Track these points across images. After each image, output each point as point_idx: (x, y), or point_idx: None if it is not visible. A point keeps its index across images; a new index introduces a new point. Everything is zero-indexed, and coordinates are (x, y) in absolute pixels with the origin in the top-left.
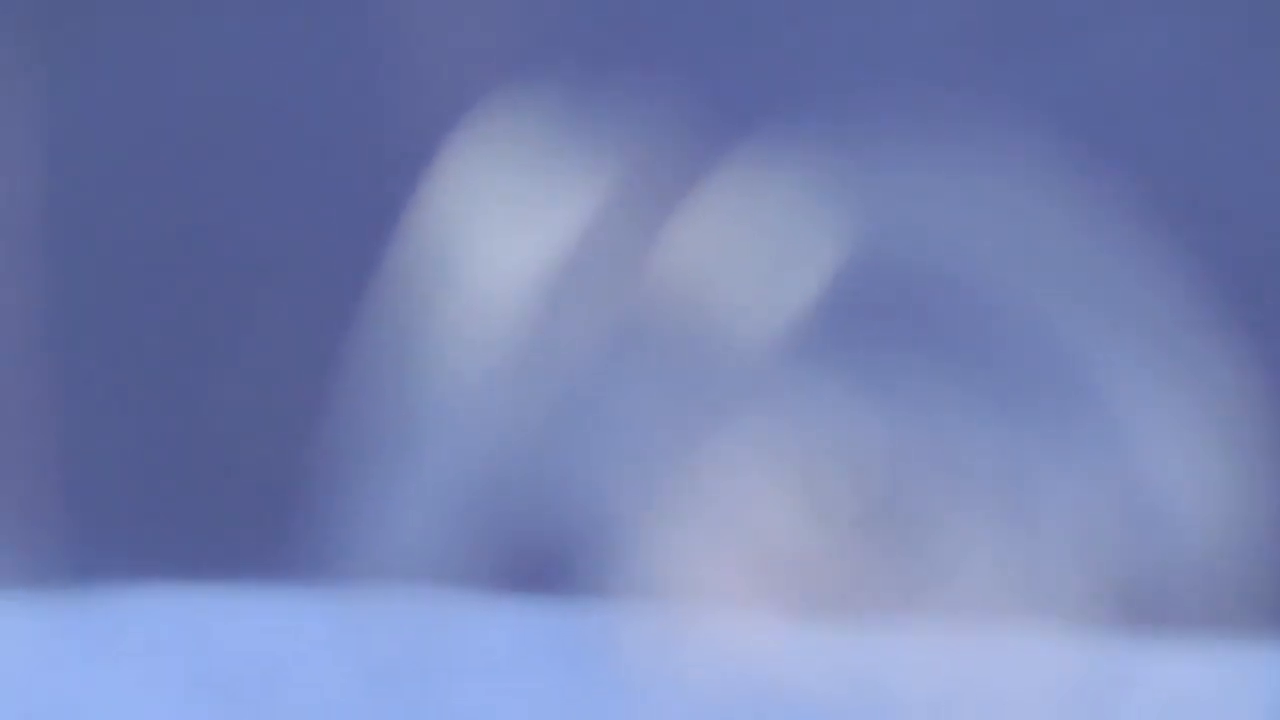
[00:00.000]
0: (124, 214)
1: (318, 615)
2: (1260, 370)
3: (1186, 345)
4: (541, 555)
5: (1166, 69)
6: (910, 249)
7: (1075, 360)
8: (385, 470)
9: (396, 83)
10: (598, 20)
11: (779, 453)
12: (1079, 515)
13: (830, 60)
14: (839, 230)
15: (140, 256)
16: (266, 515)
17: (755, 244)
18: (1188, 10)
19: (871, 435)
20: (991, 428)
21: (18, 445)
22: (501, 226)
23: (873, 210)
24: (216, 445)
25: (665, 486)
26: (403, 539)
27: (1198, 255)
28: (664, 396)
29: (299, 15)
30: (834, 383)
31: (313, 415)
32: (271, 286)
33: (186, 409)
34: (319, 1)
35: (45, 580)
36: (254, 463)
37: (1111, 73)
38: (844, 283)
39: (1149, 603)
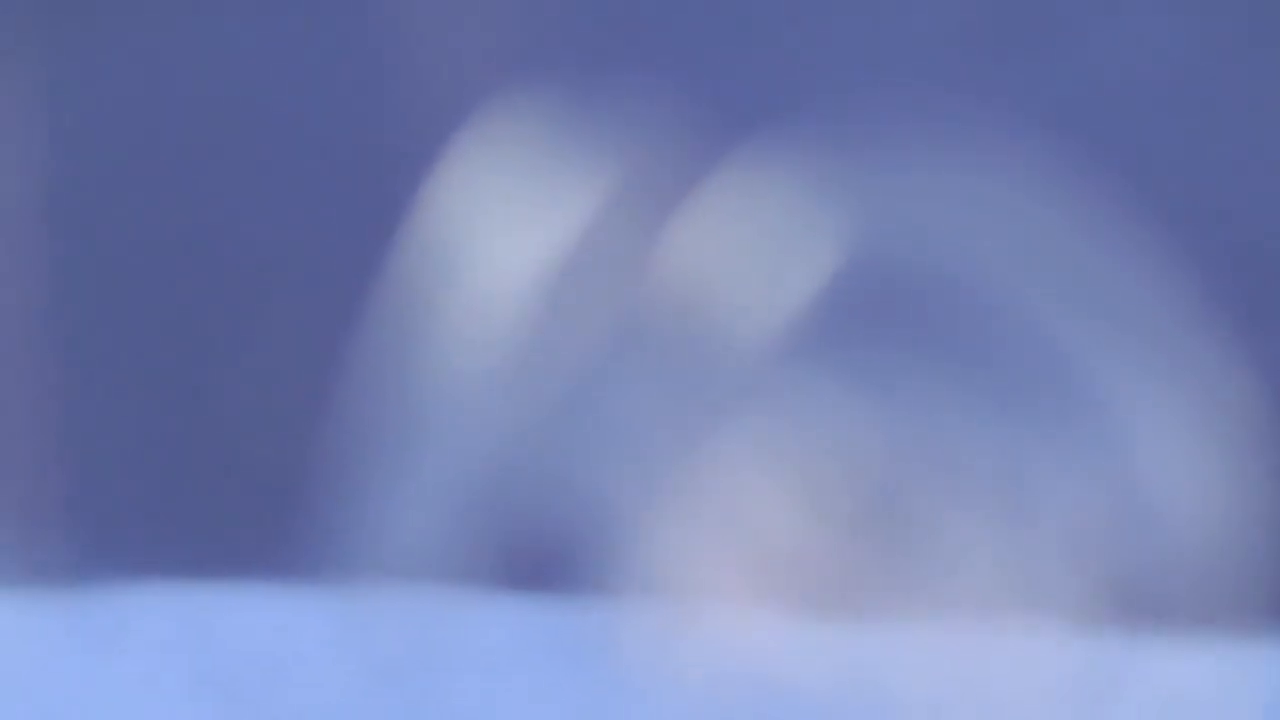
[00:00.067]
0: (126, 214)
1: (320, 613)
2: (1258, 370)
3: (1184, 344)
4: (542, 553)
5: (1166, 69)
6: (910, 249)
7: (1073, 360)
8: (387, 469)
9: (397, 83)
10: (598, 20)
11: (778, 452)
12: (1077, 513)
13: (830, 60)
14: (838, 230)
15: (143, 256)
16: (269, 514)
17: (755, 244)
18: (1187, 10)
19: (870, 434)
20: (990, 427)
21: (21, 444)
22: (503, 227)
23: (872, 210)
24: (219, 444)
25: (665, 485)
26: (404, 537)
27: (1197, 255)
28: (664, 396)
29: (299, 15)
30: (833, 382)
31: (315, 414)
32: (273, 286)
33: (189, 408)
34: (319, 1)
35: (48, 578)
36: (256, 462)
37: (1111, 73)
38: (843, 283)
39: (1146, 600)
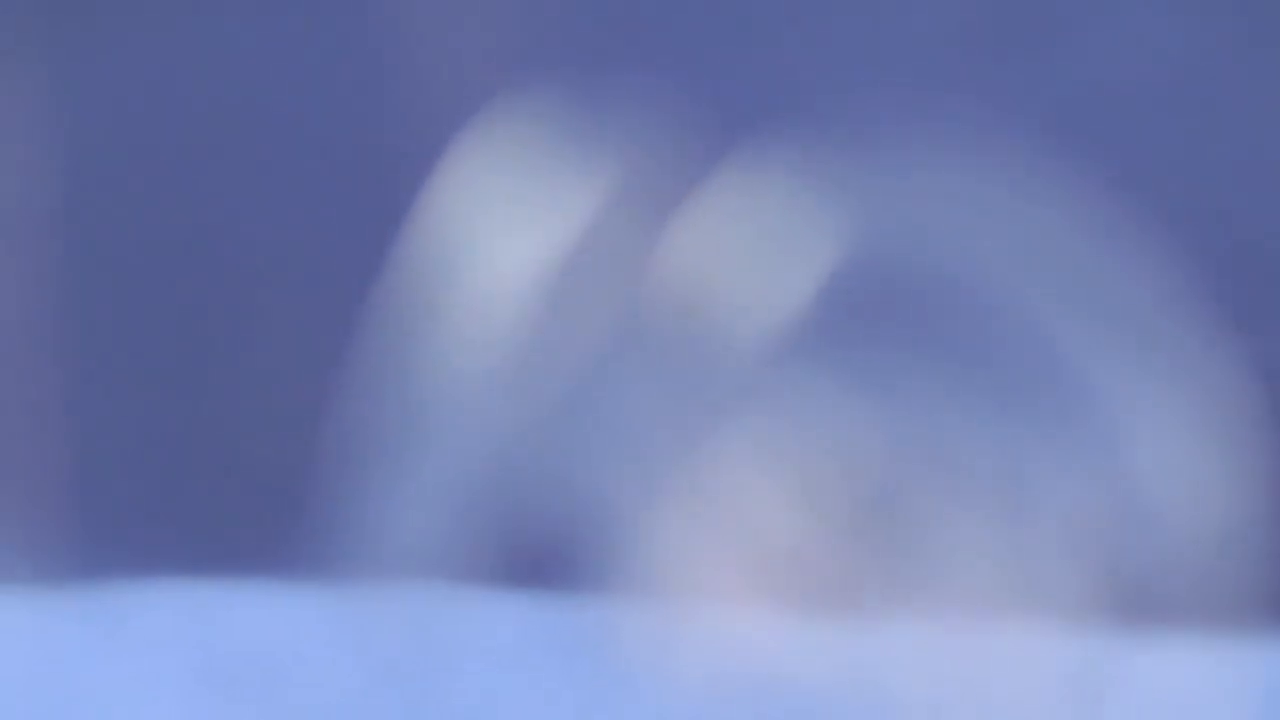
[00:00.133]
0: (127, 214)
1: (321, 611)
2: (1258, 370)
3: (1184, 344)
4: (542, 552)
5: (1166, 69)
6: (910, 249)
7: (1073, 360)
8: (389, 468)
9: (397, 83)
10: (598, 20)
11: (778, 451)
12: (1076, 513)
13: (830, 60)
14: (838, 230)
15: (144, 256)
16: (270, 512)
17: (755, 244)
18: (1187, 10)
19: (870, 434)
20: (990, 427)
21: (23, 442)
22: (503, 227)
23: (872, 210)
24: (221, 442)
25: (665, 485)
26: (406, 535)
27: (1197, 255)
28: (664, 396)
29: (299, 15)
30: (833, 382)
31: (317, 413)
32: (275, 285)
33: (192, 407)
34: (319, 1)
35: (51, 576)
36: (258, 460)
37: (1111, 73)
38: (843, 283)
39: (1146, 600)
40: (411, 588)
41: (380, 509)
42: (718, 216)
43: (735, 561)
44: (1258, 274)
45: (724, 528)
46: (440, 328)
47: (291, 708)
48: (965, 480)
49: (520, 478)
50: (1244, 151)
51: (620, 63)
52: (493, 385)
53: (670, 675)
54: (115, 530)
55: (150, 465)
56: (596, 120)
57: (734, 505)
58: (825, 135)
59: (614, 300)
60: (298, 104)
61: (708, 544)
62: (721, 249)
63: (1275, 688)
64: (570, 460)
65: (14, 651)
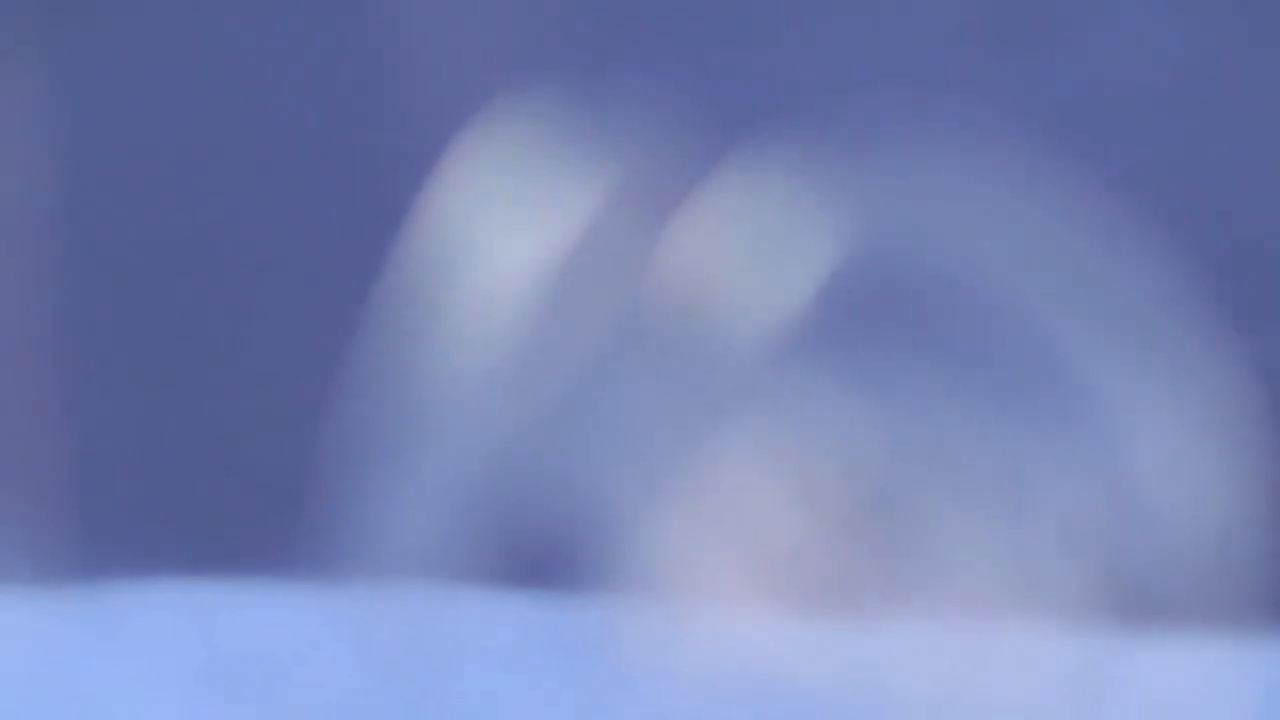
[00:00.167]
0: (128, 214)
1: (322, 611)
2: (1257, 370)
3: (1183, 344)
4: (542, 551)
5: (1166, 69)
6: (909, 249)
7: (1072, 359)
8: (389, 468)
9: (397, 83)
10: (598, 20)
11: (777, 451)
12: (1076, 513)
13: (830, 60)
14: (838, 231)
15: (146, 255)
16: (271, 512)
17: (755, 244)
18: (1188, 10)
19: (869, 434)
20: (990, 427)
21: (24, 441)
22: (503, 227)
23: (872, 210)
24: (222, 442)
25: (665, 485)
26: (406, 536)
27: (1197, 255)
28: (664, 396)
29: (299, 15)
30: (832, 382)
31: (318, 413)
32: (276, 285)
33: (193, 407)
34: (319, 1)
35: (51, 576)
36: (259, 460)
37: (1111, 73)
38: (843, 283)
39: (1145, 600)
40: (411, 588)
41: (380, 509)
42: (718, 216)
43: (735, 561)
44: (1258, 274)
45: (724, 528)
46: (440, 327)
47: (291, 708)
48: (965, 480)
49: (520, 478)
50: (1244, 151)
51: (620, 63)
52: (493, 385)
53: (670, 675)
54: (115, 530)
55: (151, 465)
56: (596, 120)
57: (734, 505)
58: (825, 135)
59: (614, 300)
60: (298, 104)
61: (708, 544)
62: (721, 249)
63: (1274, 687)
64: (570, 460)
65: (14, 652)
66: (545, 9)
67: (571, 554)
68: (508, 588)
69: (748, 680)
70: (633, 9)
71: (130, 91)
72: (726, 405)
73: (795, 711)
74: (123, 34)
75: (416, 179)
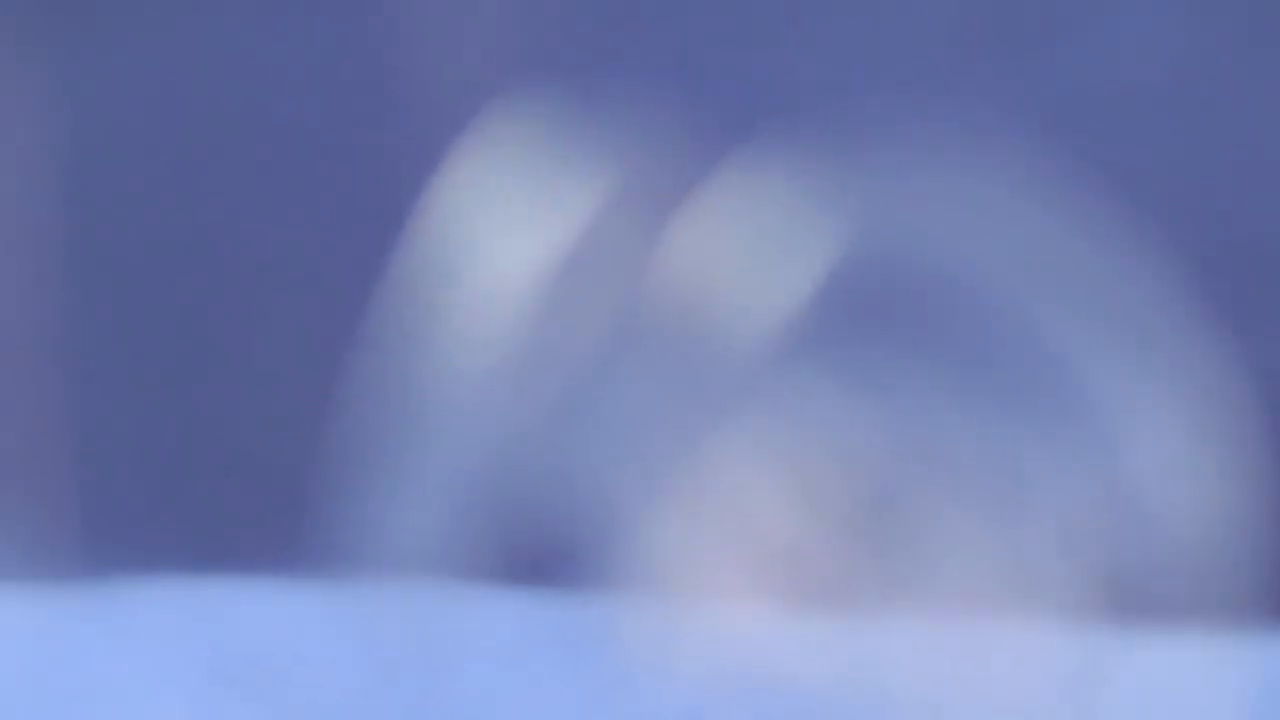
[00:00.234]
0: (129, 214)
1: (325, 608)
2: (1256, 370)
3: (1182, 344)
4: (543, 549)
5: (1166, 69)
6: (910, 250)
7: (1072, 359)
8: (391, 466)
9: (397, 84)
10: (598, 21)
11: (777, 450)
12: (1074, 511)
13: (830, 61)
14: (838, 231)
15: (147, 255)
16: (275, 510)
17: (755, 245)
18: (1188, 10)
19: (868, 433)
20: (989, 426)
21: (28, 440)
22: (504, 227)
23: (872, 211)
24: (225, 440)
25: (665, 483)
26: (408, 534)
27: (1197, 255)
28: (664, 396)
29: (300, 15)
30: (831, 382)
31: (321, 411)
32: (276, 285)
33: (196, 405)
34: (319, 1)
35: (55, 573)
36: (263, 458)
37: (1111, 73)
38: (843, 283)
39: (1143, 598)
40: (413, 585)
41: (382, 507)
42: (717, 217)
43: (735, 560)
44: (1258, 274)
45: (724, 526)
46: (441, 326)
47: (294, 704)
48: (964, 479)
49: (521, 476)
50: (1244, 151)
51: (620, 63)
52: (493, 384)
53: (670, 673)
54: (119, 528)
55: (154, 463)
56: (596, 121)
57: (734, 504)
58: (825, 135)
59: (614, 300)
60: (298, 104)
61: (708, 542)
62: (721, 249)
63: (1271, 685)
64: (571, 459)
65: (19, 648)
66: (545, 9)
67: (572, 552)
68: (508, 585)
69: (747, 678)
70: (633, 9)
71: (130, 91)
72: (726, 405)
73: (795, 709)
74: (123, 34)
75: (417, 179)
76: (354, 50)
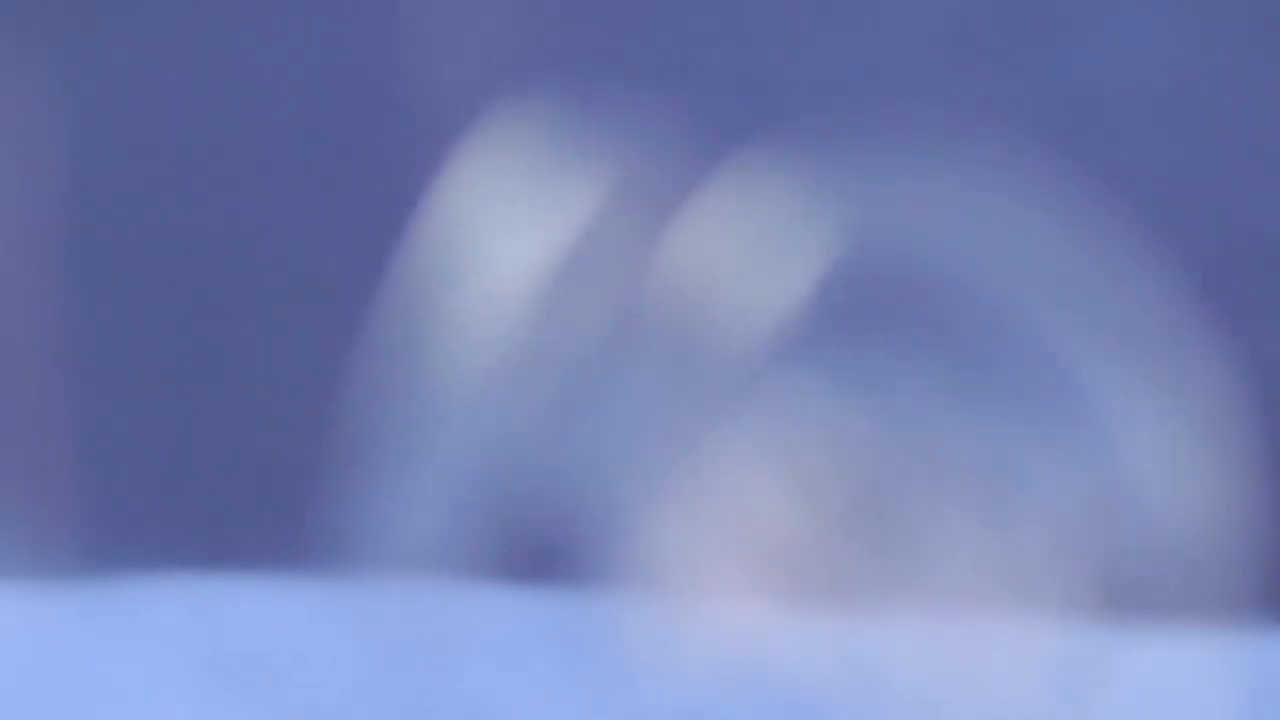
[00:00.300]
0: (130, 214)
1: (327, 605)
2: (1255, 369)
3: (1181, 344)
4: (545, 547)
5: (1166, 69)
6: (909, 251)
7: (1070, 359)
8: (393, 464)
9: (397, 85)
10: (598, 22)
11: (777, 449)
12: (1072, 510)
13: (829, 62)
14: (837, 233)
15: (149, 255)
16: (277, 507)
17: (755, 246)
18: (1188, 10)
19: (867, 433)
20: (987, 425)
21: (30, 438)
22: (505, 227)
23: (871, 212)
24: (227, 438)
25: (666, 482)
26: (410, 532)
27: (1196, 255)
28: (665, 395)
29: (300, 16)
30: (829, 382)
31: (322, 410)
32: (279, 284)
33: (198, 403)
34: (320, 1)
35: (57, 571)
36: (265, 455)
37: (1110, 73)
38: (842, 284)
39: (1141, 596)
40: (414, 584)
41: (384, 505)
42: (718, 218)
43: (736, 557)
44: (1258, 274)
45: (724, 524)
46: (442, 326)
47: (294, 704)
48: (963, 478)
49: (522, 474)
50: (1244, 151)
51: (620, 65)
52: (495, 383)
53: (671, 670)
54: (121, 525)
55: (156, 461)
56: (597, 123)
57: (734, 502)
58: (824, 136)
59: (615, 301)
60: (298, 104)
61: (708, 540)
62: (722, 250)
63: (1269, 683)
64: (572, 457)
65: (21, 646)
66: (545, 10)
67: (573, 550)
68: (509, 584)
69: (748, 675)
70: (633, 11)
71: (130, 91)
72: (726, 404)
73: (795, 706)
74: (123, 34)
75: (419, 179)
76: (355, 50)
